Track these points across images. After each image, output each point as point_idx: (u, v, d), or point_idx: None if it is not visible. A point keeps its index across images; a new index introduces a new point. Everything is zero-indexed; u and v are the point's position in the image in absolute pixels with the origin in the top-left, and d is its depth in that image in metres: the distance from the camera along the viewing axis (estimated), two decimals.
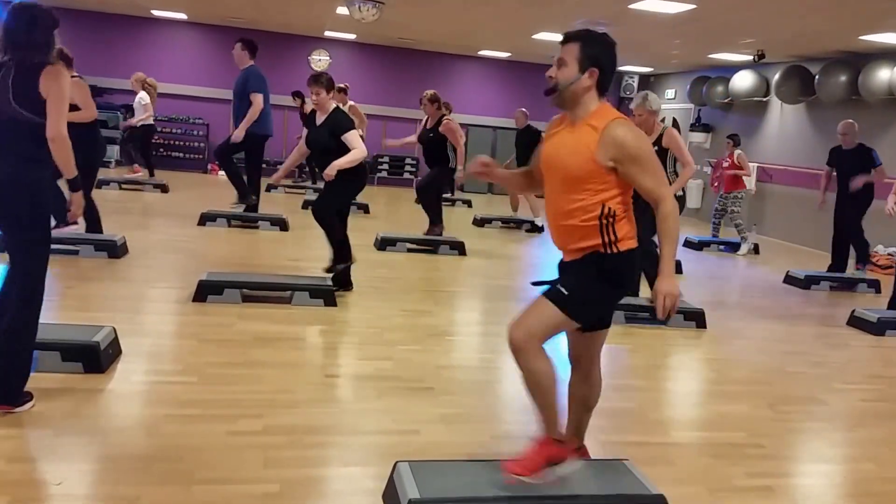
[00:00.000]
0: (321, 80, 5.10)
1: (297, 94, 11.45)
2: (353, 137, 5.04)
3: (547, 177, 2.58)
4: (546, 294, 2.50)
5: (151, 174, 10.53)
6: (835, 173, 7.72)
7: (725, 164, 9.68)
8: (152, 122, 10.43)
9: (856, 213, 7.58)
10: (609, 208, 2.44)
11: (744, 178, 9.74)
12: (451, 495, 2.45)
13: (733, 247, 9.71)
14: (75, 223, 5.96)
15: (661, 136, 5.43)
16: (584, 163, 2.41)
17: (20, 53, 2.88)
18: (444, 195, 11.36)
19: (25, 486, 2.49)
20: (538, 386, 2.50)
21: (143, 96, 10.15)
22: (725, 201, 9.73)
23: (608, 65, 2.49)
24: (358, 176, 5.26)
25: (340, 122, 5.09)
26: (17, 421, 2.95)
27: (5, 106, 2.88)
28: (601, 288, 2.52)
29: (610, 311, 2.72)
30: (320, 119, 5.15)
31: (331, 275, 5.35)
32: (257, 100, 7.35)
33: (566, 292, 2.46)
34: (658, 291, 2.43)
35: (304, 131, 5.44)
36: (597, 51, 2.47)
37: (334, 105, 5.16)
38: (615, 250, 2.48)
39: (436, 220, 7.97)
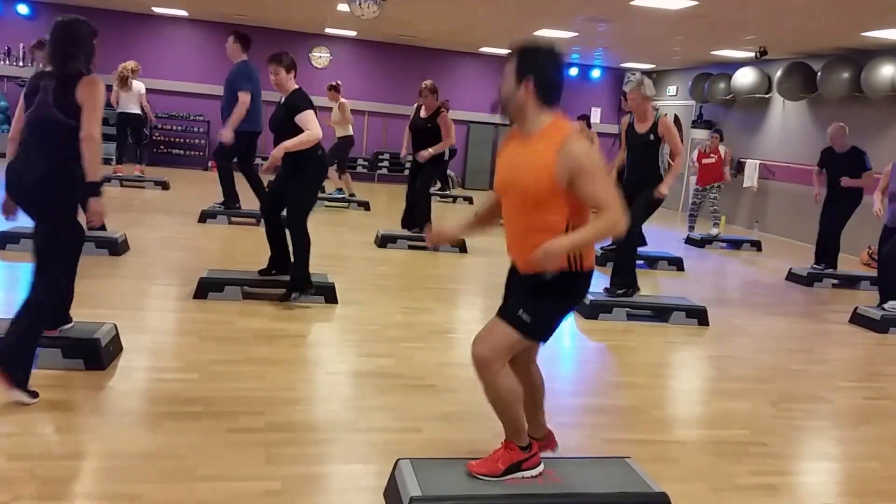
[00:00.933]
0: (281, 59, 4.85)
1: None
2: (306, 118, 4.75)
3: (504, 195, 2.52)
4: (506, 318, 2.45)
5: (118, 163, 10.55)
6: (824, 174, 7.57)
7: (711, 160, 9.64)
8: (126, 112, 10.44)
9: (840, 216, 7.48)
10: (574, 226, 2.39)
11: (744, 175, 9.83)
12: (453, 493, 2.45)
13: (735, 244, 9.72)
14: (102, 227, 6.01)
15: (655, 124, 5.41)
16: (545, 182, 2.35)
17: (61, 65, 3.21)
18: (437, 190, 11.40)
19: (26, 483, 2.48)
20: (501, 401, 2.50)
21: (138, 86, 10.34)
22: (705, 194, 9.78)
23: (547, 74, 2.41)
24: (315, 166, 4.92)
25: (296, 102, 4.81)
26: (18, 418, 2.94)
27: (47, 111, 3.18)
28: (563, 307, 2.50)
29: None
30: (281, 100, 4.94)
31: (287, 300, 4.98)
32: (244, 98, 7.19)
33: (528, 319, 2.42)
34: (542, 248, 2.30)
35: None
36: (531, 60, 2.41)
37: (295, 86, 4.92)
38: (580, 268, 2.43)
39: (427, 219, 7.79)
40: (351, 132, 9.93)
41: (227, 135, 7.17)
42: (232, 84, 7.32)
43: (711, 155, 9.72)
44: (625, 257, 5.60)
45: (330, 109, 9.76)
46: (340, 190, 10.35)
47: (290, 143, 4.74)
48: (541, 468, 2.61)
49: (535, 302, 2.45)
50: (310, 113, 4.80)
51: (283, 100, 4.92)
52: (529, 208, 2.42)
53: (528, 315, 2.43)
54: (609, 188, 2.37)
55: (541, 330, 2.47)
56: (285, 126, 4.82)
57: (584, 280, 2.49)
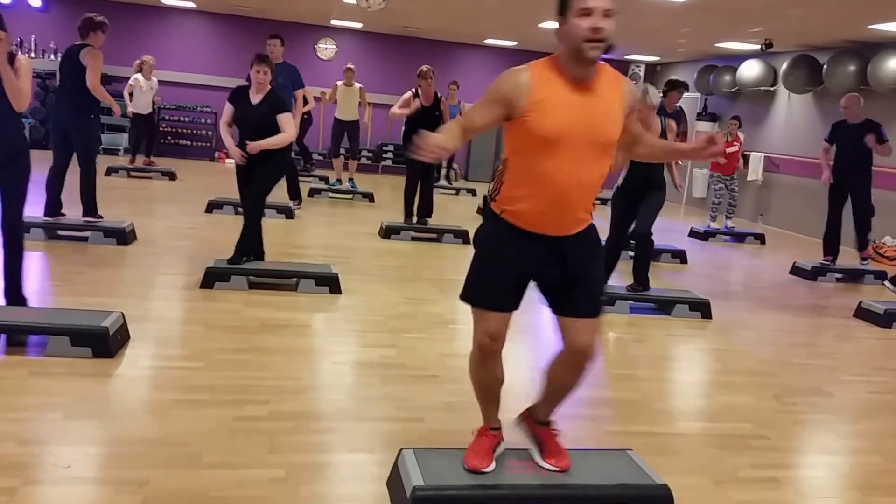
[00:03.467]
0: (270, 61, 5.15)
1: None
2: (288, 120, 5.10)
3: (564, 147, 2.22)
4: (595, 312, 2.48)
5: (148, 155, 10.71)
6: (831, 153, 7.40)
7: (734, 149, 9.57)
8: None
9: (866, 188, 7.21)
10: None
11: (749, 168, 9.90)
12: (455, 483, 2.46)
13: (739, 237, 9.72)
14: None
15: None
16: (619, 126, 2.35)
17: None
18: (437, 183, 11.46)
19: (35, 468, 2.51)
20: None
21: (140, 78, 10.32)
22: (727, 183, 9.76)
23: None
24: (286, 155, 5.37)
25: (281, 101, 5.15)
26: (28, 405, 2.98)
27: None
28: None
29: None
30: (256, 98, 5.10)
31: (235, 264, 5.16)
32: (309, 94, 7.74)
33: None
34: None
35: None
36: None
37: (269, 87, 5.17)
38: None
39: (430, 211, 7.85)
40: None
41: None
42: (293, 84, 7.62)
43: (734, 143, 9.62)
44: (646, 260, 5.61)
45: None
46: (339, 181, 10.32)
47: (271, 142, 5.02)
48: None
49: (595, 275, 2.47)
50: (290, 115, 5.16)
51: (260, 97, 5.09)
52: (600, 156, 2.30)
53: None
54: None
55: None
56: (268, 121, 5.05)
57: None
